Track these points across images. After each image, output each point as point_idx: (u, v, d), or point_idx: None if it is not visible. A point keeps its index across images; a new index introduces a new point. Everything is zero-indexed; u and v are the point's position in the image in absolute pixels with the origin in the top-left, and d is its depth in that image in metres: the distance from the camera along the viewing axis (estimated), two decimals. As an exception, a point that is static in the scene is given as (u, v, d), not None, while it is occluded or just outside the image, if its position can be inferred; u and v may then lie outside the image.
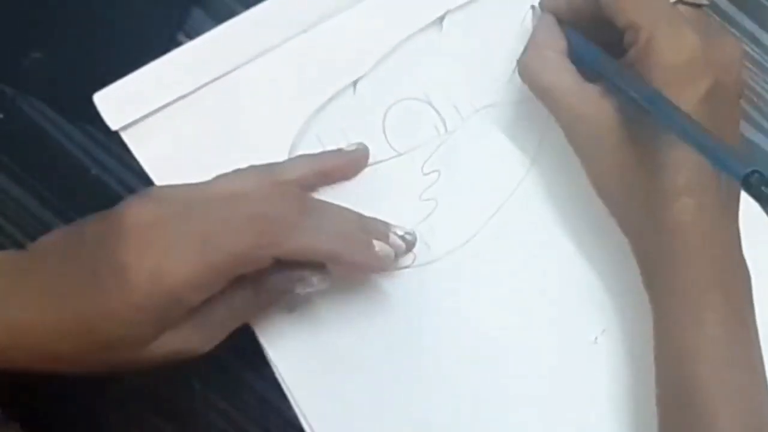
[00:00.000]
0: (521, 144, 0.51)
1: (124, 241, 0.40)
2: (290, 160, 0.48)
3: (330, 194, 0.49)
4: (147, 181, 0.50)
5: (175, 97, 0.49)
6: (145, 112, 0.49)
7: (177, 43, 0.51)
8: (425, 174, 0.50)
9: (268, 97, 0.50)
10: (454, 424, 0.48)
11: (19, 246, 0.50)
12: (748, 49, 0.54)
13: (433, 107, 0.51)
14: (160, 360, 0.43)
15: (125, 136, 0.49)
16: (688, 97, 0.41)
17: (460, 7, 0.51)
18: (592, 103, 0.44)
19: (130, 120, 0.49)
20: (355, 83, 0.51)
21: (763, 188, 0.36)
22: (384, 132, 0.51)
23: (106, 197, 0.51)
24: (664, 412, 0.43)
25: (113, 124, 0.49)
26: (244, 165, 0.48)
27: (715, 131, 0.40)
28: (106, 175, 0.51)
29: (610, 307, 0.50)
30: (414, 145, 0.50)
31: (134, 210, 0.41)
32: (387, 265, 0.46)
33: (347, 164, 0.49)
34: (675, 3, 0.44)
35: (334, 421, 0.48)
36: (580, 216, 0.50)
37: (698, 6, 0.44)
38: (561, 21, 0.48)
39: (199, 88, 0.50)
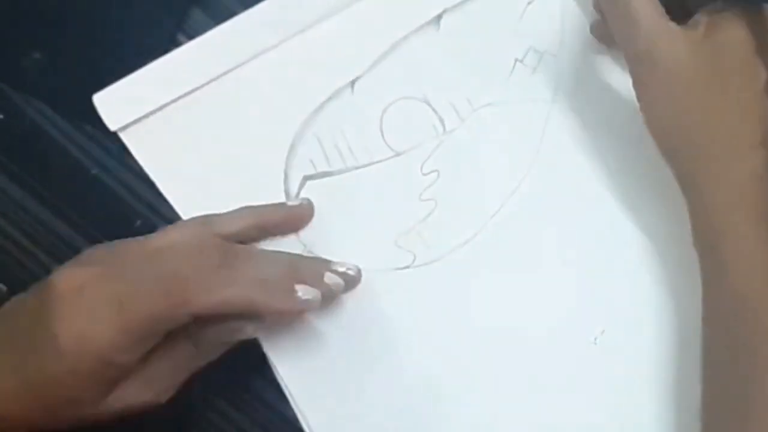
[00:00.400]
0: (521, 143, 0.51)
1: (53, 310, 0.41)
2: (232, 212, 0.48)
3: (329, 199, 0.49)
4: (147, 181, 0.50)
5: (173, 98, 0.50)
6: (144, 112, 0.49)
7: (177, 44, 0.51)
8: (424, 174, 0.50)
9: (266, 97, 0.50)
10: (454, 424, 0.49)
11: (20, 246, 0.50)
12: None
13: (431, 106, 0.51)
14: (116, 415, 0.43)
15: (124, 137, 0.50)
16: None
17: (457, 5, 0.51)
18: (682, 40, 0.43)
19: (128, 121, 0.49)
20: (353, 83, 0.51)
21: None
22: (382, 132, 0.51)
23: (106, 197, 0.51)
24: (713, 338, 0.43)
25: (112, 125, 0.49)
26: (242, 164, 0.49)
27: None
28: (106, 175, 0.51)
29: (610, 308, 0.50)
30: (412, 145, 0.51)
31: (63, 278, 0.42)
32: (313, 307, 0.45)
33: (289, 220, 0.49)
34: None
35: (334, 421, 0.48)
36: (580, 216, 0.50)
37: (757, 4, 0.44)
38: None
39: (197, 89, 0.50)
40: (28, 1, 0.51)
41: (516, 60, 0.52)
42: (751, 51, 0.43)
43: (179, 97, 0.50)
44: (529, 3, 0.52)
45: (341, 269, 0.47)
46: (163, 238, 0.45)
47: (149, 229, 0.50)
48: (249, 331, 0.45)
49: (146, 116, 0.49)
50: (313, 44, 0.50)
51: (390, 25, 0.51)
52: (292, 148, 0.50)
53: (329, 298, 0.47)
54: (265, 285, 0.44)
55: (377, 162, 0.50)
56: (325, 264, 0.47)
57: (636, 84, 0.45)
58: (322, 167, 0.50)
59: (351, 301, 0.49)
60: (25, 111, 0.51)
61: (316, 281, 0.46)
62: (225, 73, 0.50)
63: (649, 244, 0.50)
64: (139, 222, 0.51)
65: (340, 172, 0.50)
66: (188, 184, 0.50)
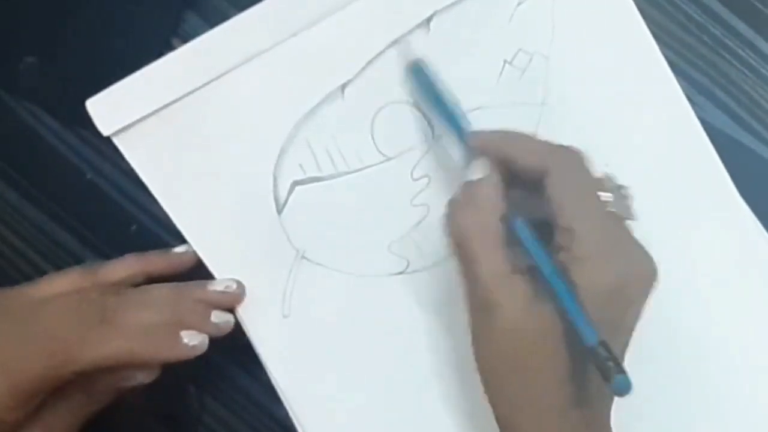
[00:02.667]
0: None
1: None
2: (116, 261, 0.47)
3: (321, 205, 0.49)
4: (142, 185, 0.50)
5: (165, 102, 0.50)
6: (137, 117, 0.49)
7: (171, 47, 0.51)
8: (415, 179, 0.50)
9: (258, 101, 0.50)
10: (447, 427, 0.49)
11: (16, 251, 0.51)
12: (742, 53, 0.53)
13: (421, 111, 0.51)
14: None
15: (117, 141, 0.50)
16: (609, 325, 0.40)
17: (447, 7, 0.51)
18: (519, 292, 0.41)
19: (121, 125, 0.49)
20: (343, 87, 0.50)
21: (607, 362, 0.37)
22: (372, 136, 0.50)
23: (101, 201, 0.51)
24: None
25: (105, 130, 0.49)
26: (233, 168, 0.49)
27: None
28: (101, 179, 0.51)
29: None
30: (402, 150, 0.50)
31: None
32: (201, 351, 0.45)
33: (173, 266, 0.49)
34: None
35: (327, 424, 0.48)
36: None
37: (629, 219, 0.43)
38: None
39: (189, 93, 0.50)
40: (23, 6, 0.52)
41: (505, 62, 0.51)
42: None
43: (171, 102, 0.50)
44: (518, 4, 0.51)
45: (219, 287, 0.47)
46: (47, 287, 0.45)
47: (144, 232, 0.51)
48: (140, 378, 0.45)
49: (139, 121, 0.49)
50: (305, 48, 0.50)
51: (381, 29, 0.50)
52: (282, 152, 0.50)
53: (223, 332, 0.47)
54: (148, 336, 0.44)
55: (368, 167, 0.50)
56: (203, 288, 0.47)
57: (471, 327, 0.43)
58: (312, 172, 0.50)
59: (345, 306, 0.49)
60: (19, 115, 0.51)
61: (201, 322, 0.46)
62: (217, 78, 0.50)
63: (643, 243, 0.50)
64: (134, 226, 0.51)
65: (330, 177, 0.50)
66: (181, 187, 0.50)
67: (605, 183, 0.43)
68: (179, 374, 0.49)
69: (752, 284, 0.51)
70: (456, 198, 0.43)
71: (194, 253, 0.49)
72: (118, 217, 0.51)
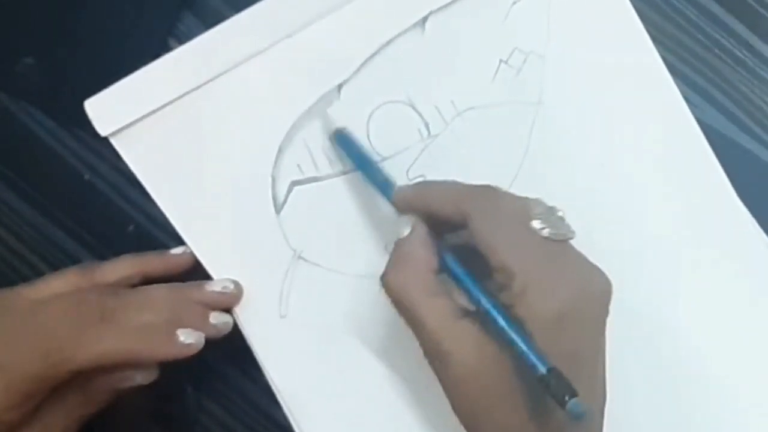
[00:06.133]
0: (507, 147, 0.51)
1: None
2: (113, 261, 0.48)
3: (318, 205, 0.49)
4: (140, 186, 0.50)
5: (163, 103, 0.50)
6: (135, 117, 0.49)
7: (168, 48, 0.51)
8: (410, 179, 0.50)
9: (256, 101, 0.50)
10: (446, 428, 0.48)
11: (14, 251, 0.51)
12: (739, 54, 0.53)
13: (416, 110, 0.51)
14: None
15: (115, 142, 0.50)
16: (558, 351, 0.39)
17: (443, 7, 0.51)
18: (469, 339, 0.41)
19: (119, 126, 0.49)
20: (339, 87, 0.50)
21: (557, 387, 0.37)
22: (368, 136, 0.50)
23: (99, 202, 0.51)
24: None
25: (103, 131, 0.49)
26: (231, 169, 0.50)
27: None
28: (99, 179, 0.51)
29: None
30: (398, 150, 0.50)
31: None
32: (196, 349, 0.45)
33: (170, 267, 0.49)
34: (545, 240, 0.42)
35: (325, 425, 0.48)
36: (569, 221, 0.50)
37: (566, 240, 0.42)
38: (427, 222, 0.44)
39: (187, 93, 0.50)
40: (20, 7, 0.52)
41: (500, 61, 0.51)
42: None
43: (169, 102, 0.50)
44: (513, 3, 0.51)
45: (217, 288, 0.48)
46: (44, 288, 0.45)
47: (142, 233, 0.51)
48: (138, 378, 0.45)
49: (136, 121, 0.49)
50: (302, 48, 0.50)
51: (377, 28, 0.50)
52: (280, 152, 0.50)
53: (222, 332, 0.47)
54: (144, 334, 0.44)
55: (364, 165, 0.50)
56: (200, 289, 0.47)
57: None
58: (310, 172, 0.50)
59: (342, 306, 0.49)
60: (17, 116, 0.51)
61: (200, 323, 0.46)
62: (214, 78, 0.50)
63: (639, 245, 0.50)
64: (131, 226, 0.51)
65: (327, 177, 0.50)
66: (178, 188, 0.50)
67: (533, 209, 0.42)
68: (177, 375, 0.49)
69: (750, 285, 0.51)
70: (389, 260, 0.43)
71: (191, 254, 0.49)
72: (115, 217, 0.51)
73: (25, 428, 0.43)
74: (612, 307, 0.49)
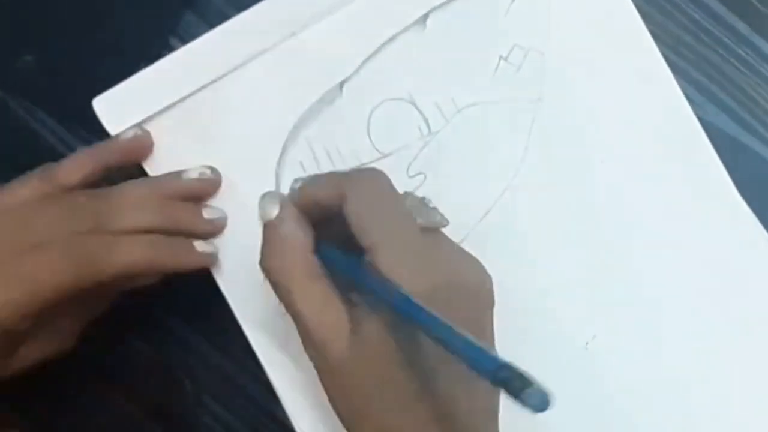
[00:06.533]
0: (507, 144, 0.51)
1: None
2: (69, 160, 0.46)
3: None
4: (140, 183, 0.50)
5: (172, 101, 0.50)
6: (143, 116, 0.50)
7: (170, 48, 0.51)
8: (411, 177, 0.50)
9: (259, 100, 0.50)
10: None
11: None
12: (741, 52, 0.53)
13: (417, 107, 0.51)
14: (26, 368, 0.44)
15: None
16: None
17: (444, 4, 0.51)
18: (340, 330, 0.40)
19: (128, 124, 0.49)
20: (341, 84, 0.51)
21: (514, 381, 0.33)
22: (369, 134, 0.50)
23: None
24: None
25: (112, 129, 0.49)
26: (237, 166, 0.50)
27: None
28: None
29: (601, 313, 0.49)
30: (398, 147, 0.50)
31: None
32: (215, 259, 0.47)
33: (127, 154, 0.48)
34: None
35: (324, 423, 0.48)
36: (570, 218, 0.50)
37: (440, 227, 0.42)
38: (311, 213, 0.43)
39: (194, 92, 0.50)
40: (21, 4, 0.52)
41: (500, 57, 0.51)
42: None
43: (177, 101, 0.50)
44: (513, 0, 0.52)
45: (194, 175, 0.48)
46: (11, 197, 0.45)
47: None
48: (149, 279, 0.46)
49: (145, 120, 0.50)
50: (304, 46, 0.50)
51: (378, 27, 0.51)
52: (284, 150, 0.50)
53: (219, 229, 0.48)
54: (166, 244, 0.45)
55: (364, 164, 0.50)
56: (179, 179, 0.48)
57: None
58: (312, 170, 0.50)
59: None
60: (17, 114, 0.52)
61: (196, 220, 0.47)
62: (219, 78, 0.50)
63: (641, 245, 0.50)
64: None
65: (330, 174, 0.50)
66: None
67: (406, 198, 0.42)
68: (176, 372, 0.49)
69: (753, 284, 0.51)
70: (263, 244, 0.42)
71: (145, 133, 0.49)
72: (115, 215, 0.51)
73: (33, 336, 0.44)
74: (611, 307, 0.49)
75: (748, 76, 0.53)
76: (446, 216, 0.43)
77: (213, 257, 0.47)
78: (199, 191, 0.48)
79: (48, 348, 0.45)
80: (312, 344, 0.40)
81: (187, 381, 0.50)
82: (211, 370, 0.50)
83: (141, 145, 0.49)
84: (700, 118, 0.52)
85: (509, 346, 0.48)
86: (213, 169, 0.49)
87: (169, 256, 0.45)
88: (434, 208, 0.43)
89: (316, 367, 0.41)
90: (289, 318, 0.47)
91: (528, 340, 0.49)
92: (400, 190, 0.49)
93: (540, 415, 0.48)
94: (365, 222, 0.40)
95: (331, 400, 0.41)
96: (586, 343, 0.49)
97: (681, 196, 0.51)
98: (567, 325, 0.49)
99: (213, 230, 0.48)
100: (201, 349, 0.50)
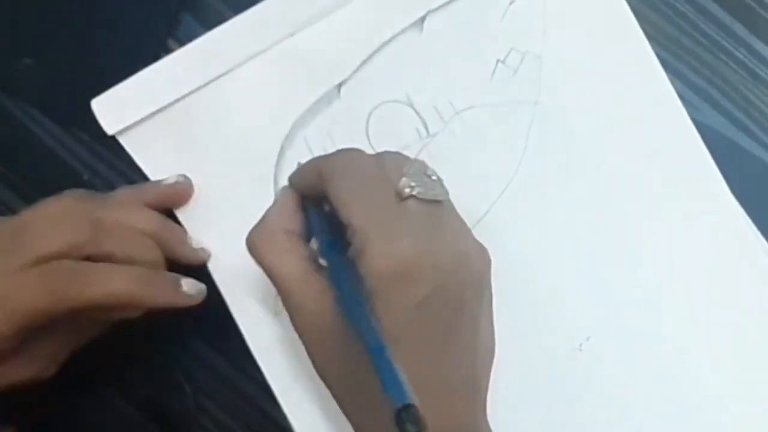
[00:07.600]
0: (505, 146, 0.51)
1: None
2: (114, 194, 0.48)
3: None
4: (138, 186, 0.50)
5: (169, 102, 0.50)
6: (140, 117, 0.50)
7: (167, 49, 0.51)
8: (409, 179, 0.50)
9: (257, 101, 0.50)
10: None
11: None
12: (738, 55, 0.53)
13: (415, 110, 0.51)
14: None
15: (123, 140, 0.50)
16: (398, 306, 0.39)
17: (441, 6, 0.51)
18: (312, 292, 0.42)
19: (125, 125, 0.50)
20: (339, 86, 0.51)
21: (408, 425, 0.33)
22: (368, 135, 0.51)
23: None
24: None
25: (110, 129, 0.50)
26: (235, 167, 0.50)
27: (433, 338, 0.39)
28: (98, 180, 0.51)
29: (595, 314, 0.49)
30: (396, 148, 0.50)
31: None
32: (198, 300, 0.47)
33: (167, 199, 0.49)
34: (406, 199, 0.41)
35: (322, 424, 0.48)
36: (567, 221, 0.50)
37: (436, 202, 0.42)
38: (306, 199, 0.45)
39: (192, 92, 0.50)
40: (20, 7, 0.52)
41: (498, 61, 0.51)
42: None
43: (174, 101, 0.50)
44: (510, 3, 0.52)
45: (170, 181, 0.49)
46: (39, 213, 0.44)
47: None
48: (130, 313, 0.45)
49: (142, 120, 0.50)
50: (302, 48, 0.50)
51: (376, 28, 0.51)
52: (282, 151, 0.50)
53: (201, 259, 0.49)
54: (150, 280, 0.45)
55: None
56: (156, 187, 0.49)
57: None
58: (310, 171, 0.50)
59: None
60: (16, 116, 0.52)
61: (179, 239, 0.48)
62: (217, 78, 0.50)
63: (637, 248, 0.50)
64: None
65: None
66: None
67: (406, 168, 0.42)
68: (174, 373, 0.49)
69: (746, 285, 0.50)
70: None
71: (186, 181, 0.50)
72: (114, 217, 0.51)
73: (13, 357, 0.43)
74: (605, 308, 0.49)
75: (745, 79, 0.53)
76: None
77: (197, 298, 0.47)
78: (173, 196, 0.49)
79: (24, 372, 0.44)
80: (289, 310, 0.42)
81: (185, 383, 0.50)
82: (210, 371, 0.50)
83: (180, 194, 0.50)
84: (697, 121, 0.51)
85: (503, 347, 0.49)
86: (185, 177, 0.49)
87: (148, 293, 0.44)
88: (435, 180, 0.42)
89: (298, 330, 0.42)
90: (286, 318, 0.47)
91: (522, 341, 0.49)
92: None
93: (534, 414, 0.48)
94: (345, 199, 0.41)
95: (319, 369, 0.42)
96: (580, 345, 0.49)
97: (674, 196, 0.51)
98: (561, 326, 0.49)
99: (195, 259, 0.48)
100: (199, 351, 0.50)
